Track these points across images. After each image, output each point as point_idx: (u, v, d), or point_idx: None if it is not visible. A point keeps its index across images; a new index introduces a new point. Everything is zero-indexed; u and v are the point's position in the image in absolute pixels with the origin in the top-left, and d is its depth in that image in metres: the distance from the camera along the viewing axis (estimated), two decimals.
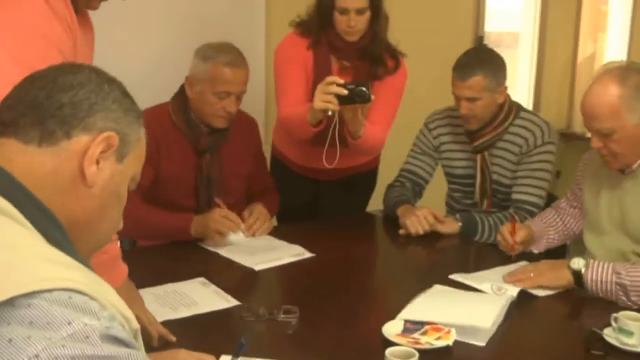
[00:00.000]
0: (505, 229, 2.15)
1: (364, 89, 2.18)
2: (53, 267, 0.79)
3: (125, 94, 0.98)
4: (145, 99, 2.33)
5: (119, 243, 2.40)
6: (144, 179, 2.21)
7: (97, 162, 0.92)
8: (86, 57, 1.51)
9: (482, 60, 2.36)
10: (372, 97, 2.21)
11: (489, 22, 4.52)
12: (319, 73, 2.43)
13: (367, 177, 2.81)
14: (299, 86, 2.47)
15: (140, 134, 1.00)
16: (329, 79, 2.20)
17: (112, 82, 0.97)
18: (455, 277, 1.97)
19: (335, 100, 2.17)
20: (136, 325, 0.87)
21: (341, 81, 2.18)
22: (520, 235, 2.13)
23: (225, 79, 2.24)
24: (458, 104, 2.39)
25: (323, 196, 2.78)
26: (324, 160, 2.43)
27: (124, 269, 1.54)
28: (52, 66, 0.95)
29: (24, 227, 0.84)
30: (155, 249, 2.23)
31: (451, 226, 2.39)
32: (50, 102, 0.90)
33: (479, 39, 4.44)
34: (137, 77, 3.16)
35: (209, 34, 2.50)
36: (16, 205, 0.84)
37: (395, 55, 2.53)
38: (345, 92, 2.16)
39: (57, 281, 0.76)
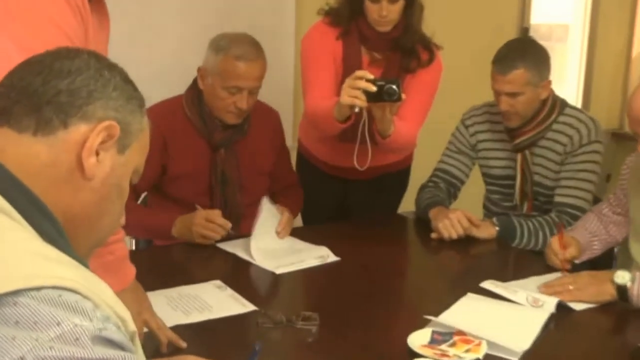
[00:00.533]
0: (556, 243, 2.07)
1: (394, 86, 2.15)
2: (43, 263, 0.78)
3: (127, 81, 0.98)
4: (165, 92, 2.38)
5: (129, 243, 2.45)
6: (149, 173, 2.25)
7: (97, 154, 0.91)
8: (99, 46, 1.51)
9: (525, 52, 2.32)
10: (403, 95, 2.18)
11: (536, 13, 4.46)
12: (348, 65, 2.42)
13: (398, 176, 2.78)
14: (328, 78, 2.45)
15: (143, 123, 1.00)
16: (358, 73, 2.17)
17: (112, 68, 0.96)
18: (486, 285, 1.93)
19: (363, 97, 2.14)
20: (133, 327, 0.86)
21: (371, 76, 2.16)
22: (571, 252, 2.07)
23: (237, 73, 2.23)
24: (498, 99, 2.36)
25: (351, 196, 2.76)
26: (355, 161, 2.42)
27: (131, 270, 1.54)
28: (49, 51, 0.95)
29: (14, 221, 0.83)
30: (171, 248, 2.24)
31: (487, 231, 2.35)
32: (46, 88, 0.90)
33: (524, 31, 4.38)
34: (155, 68, 3.20)
35: (234, 22, 2.51)
36: (7, 197, 0.84)
37: (430, 48, 2.50)
38: (374, 88, 2.14)
39: (46, 278, 0.75)
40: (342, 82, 2.25)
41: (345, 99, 2.16)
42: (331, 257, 2.14)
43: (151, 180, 2.33)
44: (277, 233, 2.26)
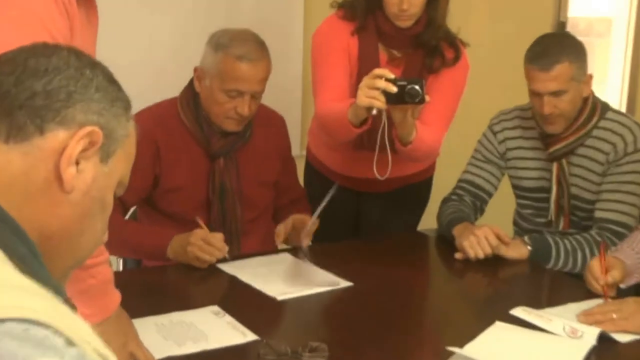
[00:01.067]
0: (597, 265, 2.04)
1: (417, 87, 2.13)
2: (8, 292, 0.76)
3: (111, 81, 0.97)
4: (159, 94, 2.38)
5: (115, 263, 2.44)
6: (139, 184, 2.25)
7: (77, 163, 0.91)
8: (86, 44, 1.52)
9: (565, 44, 2.33)
10: (427, 97, 2.16)
11: (574, 6, 4.45)
12: (365, 64, 2.41)
13: (419, 189, 2.77)
14: (341, 78, 2.44)
15: (129, 128, 0.99)
16: (377, 71, 2.16)
17: (95, 66, 0.96)
18: (517, 312, 1.91)
19: (382, 98, 2.13)
20: None
21: (391, 75, 2.15)
22: (614, 276, 2.02)
23: (237, 74, 2.22)
24: (537, 102, 2.34)
25: (366, 211, 2.75)
26: (374, 169, 2.40)
27: (115, 296, 1.54)
28: (23, 47, 0.94)
29: None
30: (163, 270, 2.23)
31: (519, 250, 2.33)
32: (19, 89, 0.89)
33: (561, 26, 4.37)
34: (148, 67, 3.22)
35: (235, 17, 2.52)
36: None
37: (456, 45, 2.49)
38: (395, 89, 2.12)
39: (11, 309, 0.73)
40: (357, 82, 2.24)
41: (362, 100, 2.15)
42: (342, 283, 2.12)
43: (142, 192, 2.32)
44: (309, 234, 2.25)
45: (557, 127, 2.39)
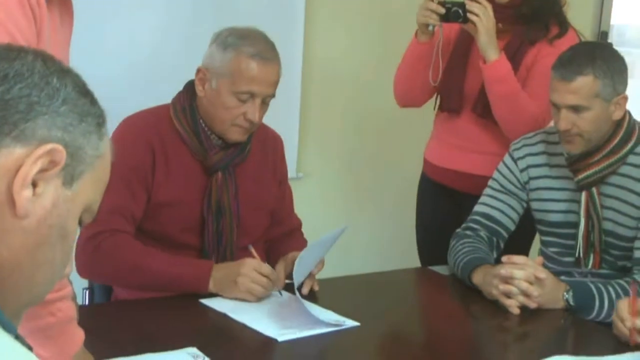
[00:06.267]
0: (625, 307, 2.05)
1: (459, 10, 2.75)
2: None
3: (82, 92, 0.97)
4: (144, 99, 2.40)
5: (81, 295, 2.44)
6: (136, 207, 2.27)
7: (35, 185, 0.90)
8: (57, 48, 1.55)
9: (594, 56, 2.34)
10: (472, 17, 2.71)
11: (617, 14, 4.45)
12: (461, 40, 2.95)
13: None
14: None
15: (102, 148, 0.98)
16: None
17: (64, 74, 0.95)
18: None
19: (434, 16, 2.77)
20: None
21: None
22: None
23: (251, 75, 2.26)
24: (555, 116, 2.36)
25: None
26: (430, 76, 2.90)
27: (77, 336, 1.54)
28: None
29: None
30: (137, 304, 2.24)
31: (554, 302, 2.30)
32: None
33: (602, 36, 4.39)
34: (137, 72, 3.27)
35: (232, 22, 2.54)
36: None
37: (563, 21, 2.85)
38: (443, 10, 2.76)
39: None
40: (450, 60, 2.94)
41: (420, 18, 2.82)
42: (348, 323, 2.12)
43: (141, 213, 2.31)
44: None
45: (575, 147, 2.39)
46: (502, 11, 2.85)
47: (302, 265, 2.19)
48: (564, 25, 2.85)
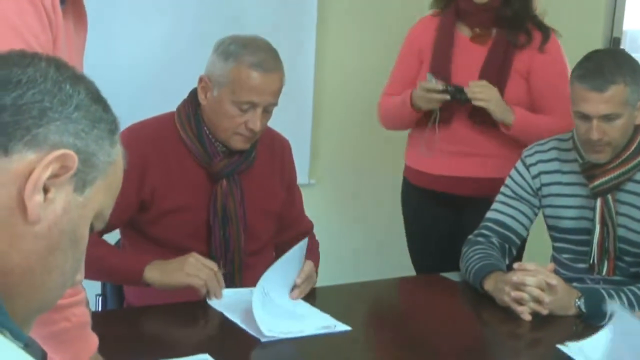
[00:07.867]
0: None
1: (461, 92, 2.78)
2: None
3: (96, 98, 0.97)
4: (150, 108, 2.42)
5: (94, 302, 2.45)
6: (123, 209, 2.23)
7: (47, 190, 0.90)
8: (72, 55, 1.56)
9: (621, 63, 2.35)
10: (477, 105, 2.75)
11: (629, 19, 4.44)
12: (440, 44, 2.97)
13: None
14: (407, 78, 3.04)
15: (114, 154, 0.99)
16: (424, 85, 2.82)
17: (78, 80, 0.96)
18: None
19: (438, 103, 2.82)
20: None
21: (439, 87, 2.78)
22: None
23: (252, 84, 2.27)
24: (584, 127, 2.35)
25: (466, 225, 2.86)
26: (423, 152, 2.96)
27: (91, 341, 1.55)
28: None
29: None
30: (149, 310, 2.25)
31: (565, 309, 2.29)
32: None
33: (615, 42, 4.37)
34: (139, 79, 3.28)
35: (242, 29, 2.55)
36: None
37: (541, 25, 2.88)
38: (448, 97, 2.79)
39: None
40: (431, 62, 2.94)
41: (423, 105, 2.85)
42: (339, 327, 2.14)
43: (122, 215, 2.30)
44: (293, 288, 2.27)
45: (604, 156, 2.39)
46: (480, 14, 2.88)
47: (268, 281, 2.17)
48: (544, 29, 2.89)
